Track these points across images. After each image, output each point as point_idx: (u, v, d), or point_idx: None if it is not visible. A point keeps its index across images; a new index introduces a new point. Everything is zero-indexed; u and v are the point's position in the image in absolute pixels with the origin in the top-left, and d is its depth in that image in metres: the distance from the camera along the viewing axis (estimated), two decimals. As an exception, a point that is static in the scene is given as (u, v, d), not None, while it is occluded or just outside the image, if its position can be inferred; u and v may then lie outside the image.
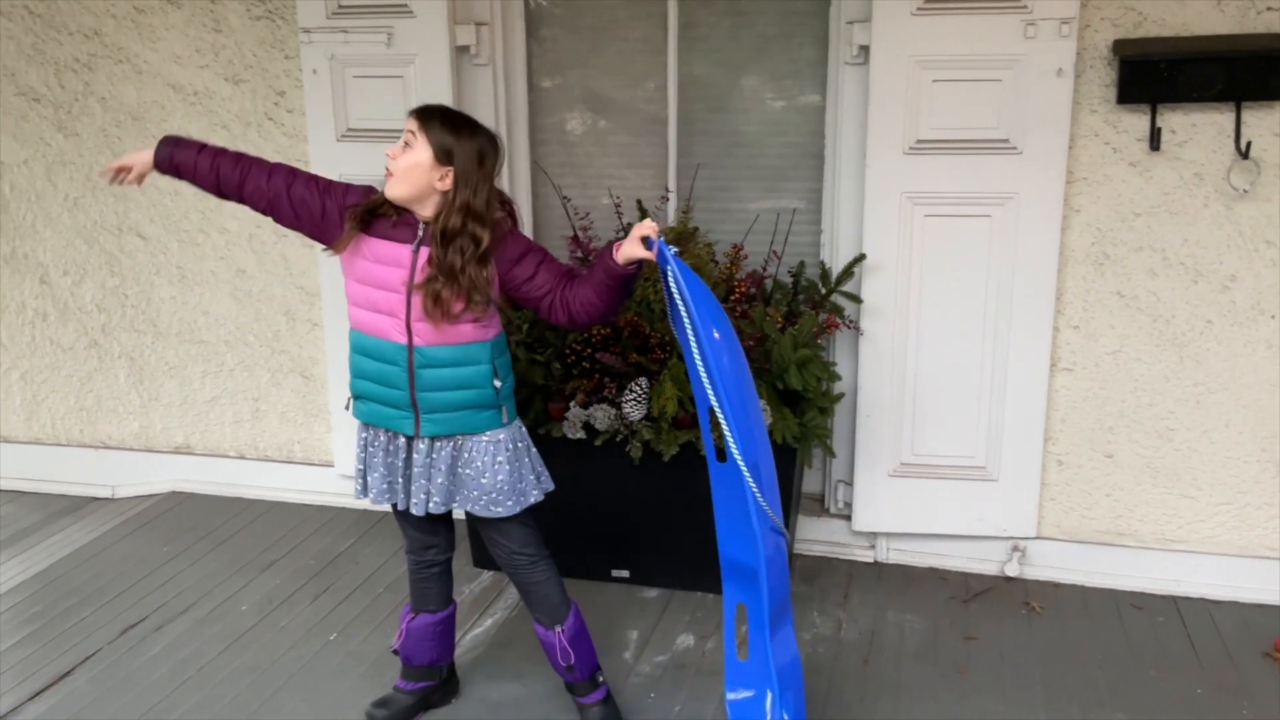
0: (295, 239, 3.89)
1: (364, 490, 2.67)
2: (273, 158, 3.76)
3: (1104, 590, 3.47)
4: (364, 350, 2.54)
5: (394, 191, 2.44)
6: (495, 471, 2.55)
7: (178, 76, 3.88)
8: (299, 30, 3.65)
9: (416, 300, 2.43)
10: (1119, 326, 3.33)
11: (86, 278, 4.16)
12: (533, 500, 2.61)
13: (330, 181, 2.58)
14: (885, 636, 3.23)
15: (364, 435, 2.65)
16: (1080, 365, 3.38)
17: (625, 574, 3.52)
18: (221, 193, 2.59)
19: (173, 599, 3.46)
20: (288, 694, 2.96)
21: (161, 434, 4.27)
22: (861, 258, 3.34)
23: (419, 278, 2.42)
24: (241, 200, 2.58)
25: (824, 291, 3.39)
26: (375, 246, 2.48)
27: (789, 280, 3.53)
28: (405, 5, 3.53)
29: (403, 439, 2.58)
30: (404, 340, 2.47)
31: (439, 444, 2.55)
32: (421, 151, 2.40)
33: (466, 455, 2.56)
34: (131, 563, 3.71)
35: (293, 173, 2.57)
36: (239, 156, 2.58)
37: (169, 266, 4.07)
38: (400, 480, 2.61)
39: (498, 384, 2.54)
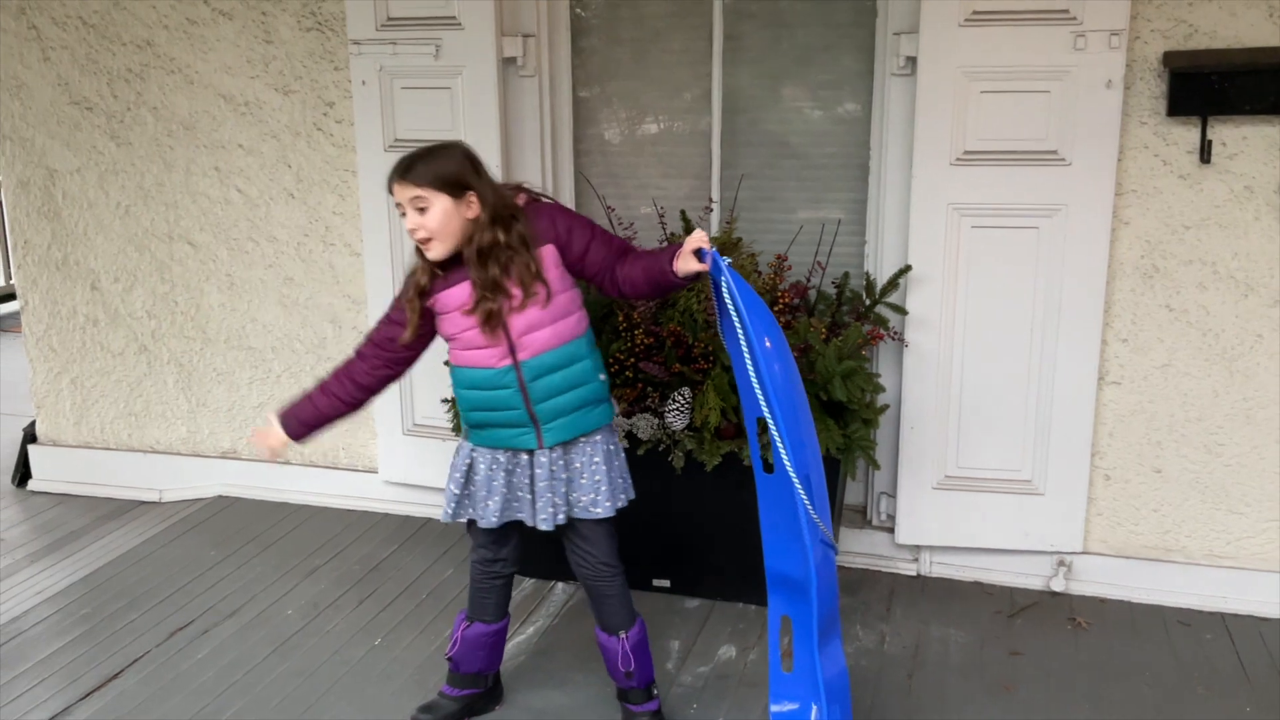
0: (342, 248, 3.96)
1: (454, 514, 2.70)
2: (322, 166, 3.87)
3: (1151, 606, 3.43)
4: (470, 384, 2.58)
5: (440, 252, 2.48)
6: (593, 471, 2.61)
7: (228, 86, 3.94)
8: (348, 42, 3.69)
9: (515, 320, 2.49)
10: (1168, 340, 3.30)
11: (137, 284, 4.22)
12: (623, 502, 2.68)
13: (389, 311, 2.65)
14: (929, 651, 3.21)
15: (470, 459, 2.66)
16: (1128, 379, 3.35)
17: (666, 584, 3.52)
18: (357, 405, 2.68)
19: (220, 602, 3.50)
20: (333, 698, 2.98)
21: (208, 439, 4.32)
22: (907, 269, 3.33)
23: (468, 305, 2.50)
24: (376, 393, 2.69)
25: (868, 303, 3.39)
26: (444, 300, 2.54)
27: (833, 291, 3.52)
28: (454, 18, 3.56)
29: (524, 455, 2.61)
30: (507, 362, 2.52)
31: (555, 454, 2.59)
32: (440, 201, 2.44)
33: (569, 458, 2.62)
34: (179, 566, 3.76)
35: (369, 340, 2.65)
36: (337, 374, 2.66)
37: (218, 274, 4.13)
38: (528, 496, 2.63)
39: (602, 376, 2.62)
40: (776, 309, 3.33)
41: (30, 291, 4.35)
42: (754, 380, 2.28)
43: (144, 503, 4.33)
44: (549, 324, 2.52)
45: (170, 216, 4.12)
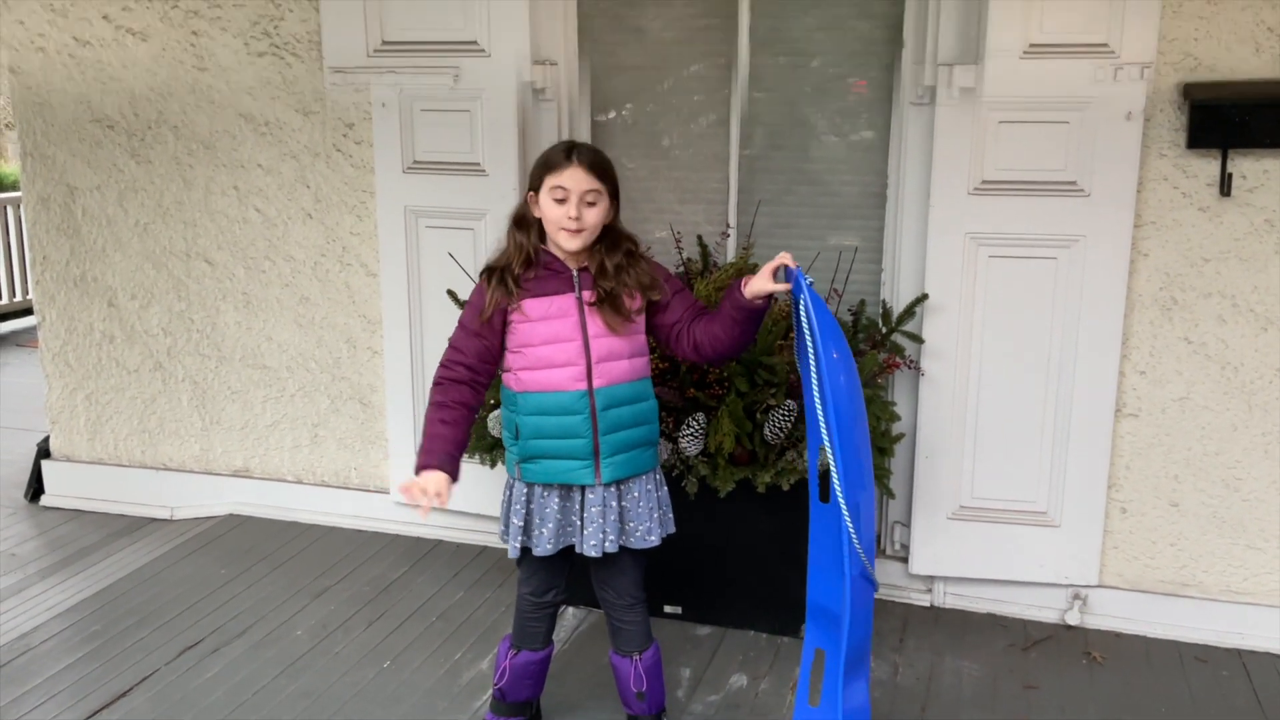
0: (359, 268, 3.97)
1: (523, 545, 2.62)
2: (341, 187, 3.88)
3: (1167, 641, 3.40)
4: (542, 409, 2.54)
5: (581, 244, 2.51)
6: (648, 499, 2.64)
7: (249, 107, 3.96)
8: (325, 70, 3.71)
9: (599, 344, 2.52)
10: (1186, 373, 3.28)
11: (154, 302, 4.24)
12: (670, 530, 2.71)
13: (468, 323, 2.58)
14: (942, 683, 3.18)
15: (525, 493, 2.61)
16: (1146, 411, 3.33)
17: (678, 610, 3.50)
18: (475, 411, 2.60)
19: (230, 621, 3.49)
20: (341, 721, 2.97)
21: (221, 457, 4.32)
22: (924, 297, 3.32)
23: (589, 304, 2.53)
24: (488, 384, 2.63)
25: (885, 331, 3.37)
26: (535, 306, 2.53)
27: (849, 318, 3.51)
28: (475, 43, 3.58)
29: (577, 490, 2.60)
30: (584, 386, 2.52)
31: (609, 490, 2.60)
32: (603, 202, 2.52)
33: (621, 491, 2.63)
34: (189, 584, 3.75)
35: (466, 365, 2.56)
36: (455, 405, 2.54)
37: (235, 292, 4.14)
38: (578, 524, 2.61)
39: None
40: (792, 336, 3.33)
41: (48, 307, 4.37)
42: (816, 393, 2.26)
43: (156, 520, 4.32)
44: (627, 356, 2.57)
45: (188, 235, 4.14)
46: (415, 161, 3.73)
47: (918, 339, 3.35)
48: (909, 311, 3.35)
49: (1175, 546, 3.39)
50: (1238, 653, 3.34)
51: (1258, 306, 3.20)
